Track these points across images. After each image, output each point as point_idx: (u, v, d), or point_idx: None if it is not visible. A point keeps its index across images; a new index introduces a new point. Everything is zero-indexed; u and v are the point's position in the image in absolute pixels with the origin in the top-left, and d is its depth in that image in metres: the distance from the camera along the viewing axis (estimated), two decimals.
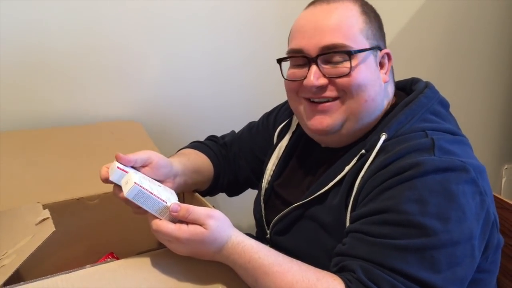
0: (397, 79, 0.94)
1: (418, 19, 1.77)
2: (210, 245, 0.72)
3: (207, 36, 1.46)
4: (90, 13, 1.28)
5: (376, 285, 0.67)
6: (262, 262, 0.71)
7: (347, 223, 0.79)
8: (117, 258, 0.94)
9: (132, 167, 0.79)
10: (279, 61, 0.90)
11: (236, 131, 1.16)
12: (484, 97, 2.06)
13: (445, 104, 0.87)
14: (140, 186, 0.72)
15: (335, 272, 0.72)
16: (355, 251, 0.72)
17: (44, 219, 0.78)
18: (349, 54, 0.80)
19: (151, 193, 0.73)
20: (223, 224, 0.73)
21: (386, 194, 0.73)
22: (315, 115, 0.85)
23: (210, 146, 1.09)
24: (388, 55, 0.87)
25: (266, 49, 1.54)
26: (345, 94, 0.83)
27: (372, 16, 0.85)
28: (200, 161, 1.03)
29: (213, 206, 0.81)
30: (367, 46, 0.82)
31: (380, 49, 0.85)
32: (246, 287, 0.74)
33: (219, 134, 1.17)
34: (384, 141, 0.79)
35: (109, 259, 0.92)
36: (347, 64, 0.81)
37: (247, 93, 1.58)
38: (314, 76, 0.82)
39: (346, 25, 0.81)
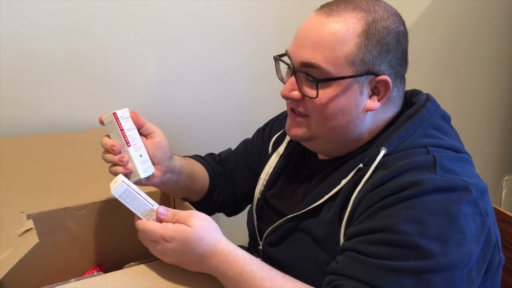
0: None
1: (417, 29, 1.76)
2: (196, 245, 0.71)
3: (203, 40, 1.44)
4: (82, 17, 1.26)
5: None
6: (254, 275, 0.69)
7: (341, 238, 0.77)
8: (105, 270, 0.91)
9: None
10: (276, 59, 0.88)
11: (233, 144, 1.15)
12: (484, 107, 2.05)
13: (446, 118, 0.85)
14: (128, 185, 0.73)
15: None
16: (348, 271, 0.69)
17: (27, 230, 0.77)
18: (317, 82, 0.77)
19: (138, 193, 0.74)
20: (208, 225, 0.73)
21: (383, 213, 0.70)
22: (290, 121, 0.86)
23: (208, 161, 1.08)
24: (386, 82, 0.78)
25: (263, 56, 1.51)
26: (312, 115, 0.81)
27: (377, 39, 0.76)
28: (197, 169, 1.02)
29: None
30: (350, 73, 0.76)
31: (377, 75, 0.78)
32: None
33: (215, 143, 1.15)
34: (384, 155, 0.77)
35: (96, 272, 0.90)
36: (315, 89, 0.78)
37: (243, 101, 1.56)
38: (287, 87, 0.81)
39: (330, 47, 0.76)
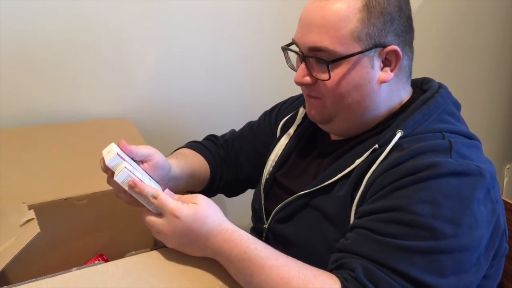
0: None
1: (418, 17, 1.74)
2: (202, 223, 0.71)
3: (203, 32, 1.44)
4: (84, 8, 1.25)
5: (375, 286, 0.66)
6: (258, 254, 0.69)
7: (352, 216, 0.77)
8: (107, 260, 0.92)
9: (133, 159, 0.80)
10: (284, 49, 0.89)
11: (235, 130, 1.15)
12: (486, 96, 2.04)
13: (457, 106, 0.86)
14: (130, 171, 0.73)
15: (333, 269, 0.71)
16: (358, 249, 0.70)
17: (28, 220, 0.77)
18: (327, 63, 0.78)
19: (141, 180, 0.74)
20: (213, 205, 0.74)
21: (398, 193, 0.71)
22: (308, 104, 0.88)
23: (208, 147, 1.07)
24: (395, 52, 0.79)
25: (264, 46, 1.52)
26: (326, 97, 0.83)
27: (378, 10, 0.78)
28: (198, 164, 1.02)
29: None
30: (358, 49, 0.78)
31: (385, 46, 0.79)
32: None
33: (215, 132, 1.15)
34: (400, 138, 0.77)
35: (97, 261, 0.90)
36: (327, 71, 0.79)
37: (244, 91, 1.56)
38: (300, 73, 0.83)
39: (335, 28, 0.77)
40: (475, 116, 2.00)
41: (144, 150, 0.81)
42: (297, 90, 1.08)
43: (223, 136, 1.12)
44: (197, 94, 1.49)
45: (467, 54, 1.93)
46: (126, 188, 0.73)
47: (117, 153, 0.75)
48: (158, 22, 1.37)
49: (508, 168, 2.15)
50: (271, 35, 1.51)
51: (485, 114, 2.06)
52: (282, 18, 1.50)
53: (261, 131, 1.08)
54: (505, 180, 2.16)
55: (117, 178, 0.73)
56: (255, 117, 1.14)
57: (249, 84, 1.56)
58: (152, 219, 0.73)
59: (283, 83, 1.58)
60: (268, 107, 1.13)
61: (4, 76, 1.22)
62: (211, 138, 1.12)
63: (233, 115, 1.55)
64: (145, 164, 0.81)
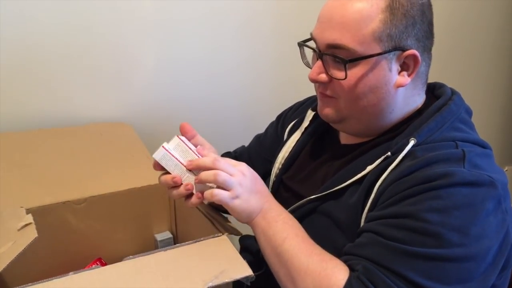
0: None
1: None
2: (263, 183, 0.80)
3: (202, 37, 1.44)
4: (83, 12, 1.26)
5: (374, 285, 0.66)
6: (298, 224, 0.78)
7: (361, 224, 0.77)
8: (105, 264, 0.91)
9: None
10: (300, 44, 0.88)
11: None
12: (484, 98, 2.04)
13: (469, 112, 0.86)
14: (168, 151, 0.77)
15: None
16: (362, 251, 0.71)
17: (26, 225, 0.77)
18: (345, 62, 0.77)
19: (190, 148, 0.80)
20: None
21: (408, 200, 0.71)
22: (320, 102, 0.86)
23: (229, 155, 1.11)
24: (414, 56, 0.78)
25: (263, 51, 1.52)
26: (340, 97, 0.81)
27: (401, 13, 0.76)
28: None
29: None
30: (378, 50, 0.76)
31: (404, 49, 0.78)
32: None
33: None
34: (413, 146, 0.77)
35: (95, 265, 0.90)
36: (343, 70, 0.78)
37: (243, 95, 1.56)
38: (315, 70, 0.81)
39: (356, 26, 0.76)
40: (473, 117, 2.00)
41: (201, 139, 0.88)
42: (298, 95, 1.09)
43: (235, 151, 1.14)
44: (196, 98, 1.49)
45: (466, 57, 1.93)
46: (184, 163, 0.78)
47: (163, 146, 0.79)
48: (158, 26, 1.37)
49: (506, 170, 2.15)
50: (271, 40, 1.51)
51: (483, 115, 2.06)
52: (282, 23, 1.50)
53: (267, 140, 1.08)
54: None
55: (154, 155, 0.77)
56: (254, 122, 1.14)
57: (249, 88, 1.56)
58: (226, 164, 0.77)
59: (283, 87, 1.59)
60: (267, 112, 1.13)
61: (4, 81, 1.22)
62: (225, 154, 1.13)
63: (232, 119, 1.55)
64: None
